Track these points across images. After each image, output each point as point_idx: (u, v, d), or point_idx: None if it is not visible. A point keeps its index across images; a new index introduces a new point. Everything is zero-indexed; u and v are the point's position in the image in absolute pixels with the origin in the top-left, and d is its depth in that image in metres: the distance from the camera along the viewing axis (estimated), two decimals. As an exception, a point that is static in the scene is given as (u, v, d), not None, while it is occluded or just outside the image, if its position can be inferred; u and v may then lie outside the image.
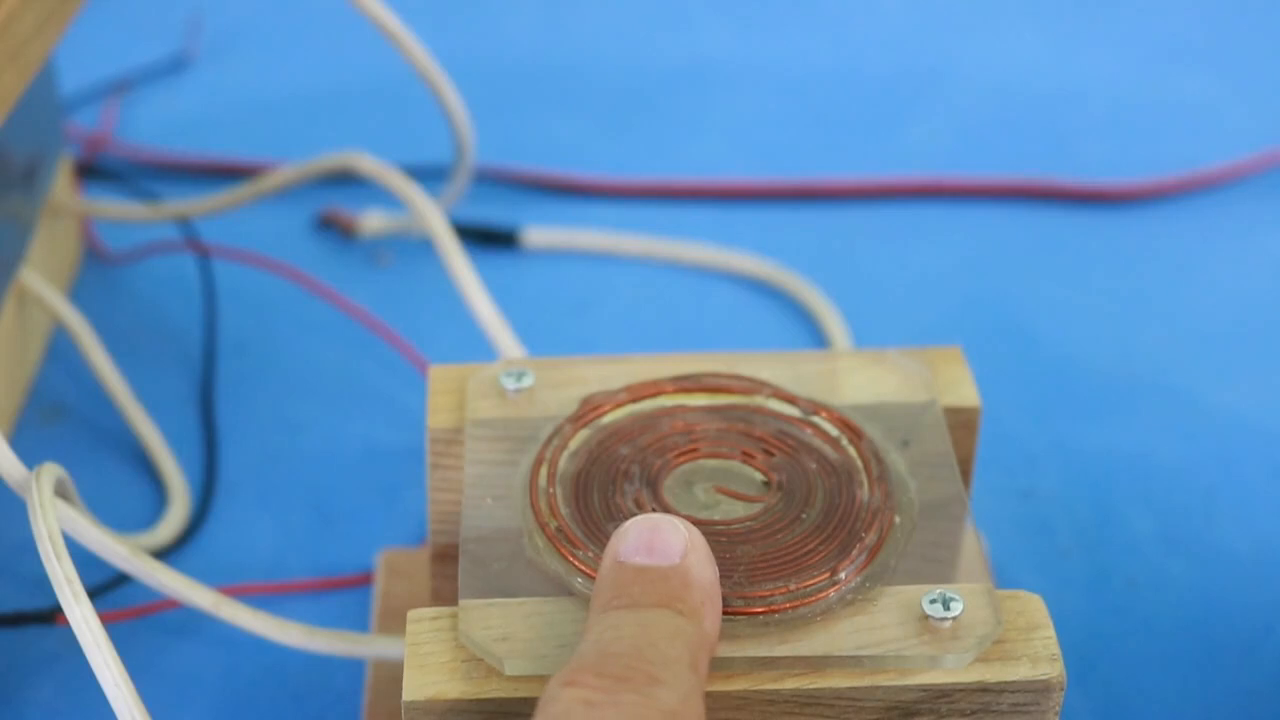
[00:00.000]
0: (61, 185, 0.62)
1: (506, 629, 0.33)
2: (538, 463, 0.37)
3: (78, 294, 0.63)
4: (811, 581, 0.34)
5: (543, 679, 0.32)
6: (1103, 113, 0.78)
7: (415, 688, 0.33)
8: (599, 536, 0.35)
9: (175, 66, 0.79)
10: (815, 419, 0.39)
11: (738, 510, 0.36)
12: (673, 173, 0.72)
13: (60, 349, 0.60)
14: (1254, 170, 0.71)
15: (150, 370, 0.59)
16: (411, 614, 0.34)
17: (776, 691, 0.33)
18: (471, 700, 0.32)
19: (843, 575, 0.34)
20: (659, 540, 0.32)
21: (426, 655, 0.33)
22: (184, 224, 0.64)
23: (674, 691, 0.29)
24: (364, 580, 0.50)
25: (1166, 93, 0.79)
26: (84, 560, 0.39)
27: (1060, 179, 0.71)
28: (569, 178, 0.71)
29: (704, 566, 0.32)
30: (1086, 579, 0.51)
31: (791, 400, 0.39)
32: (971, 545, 0.39)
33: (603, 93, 0.78)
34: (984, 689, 0.33)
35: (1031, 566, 0.51)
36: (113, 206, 0.66)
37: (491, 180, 0.70)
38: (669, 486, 0.37)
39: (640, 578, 0.32)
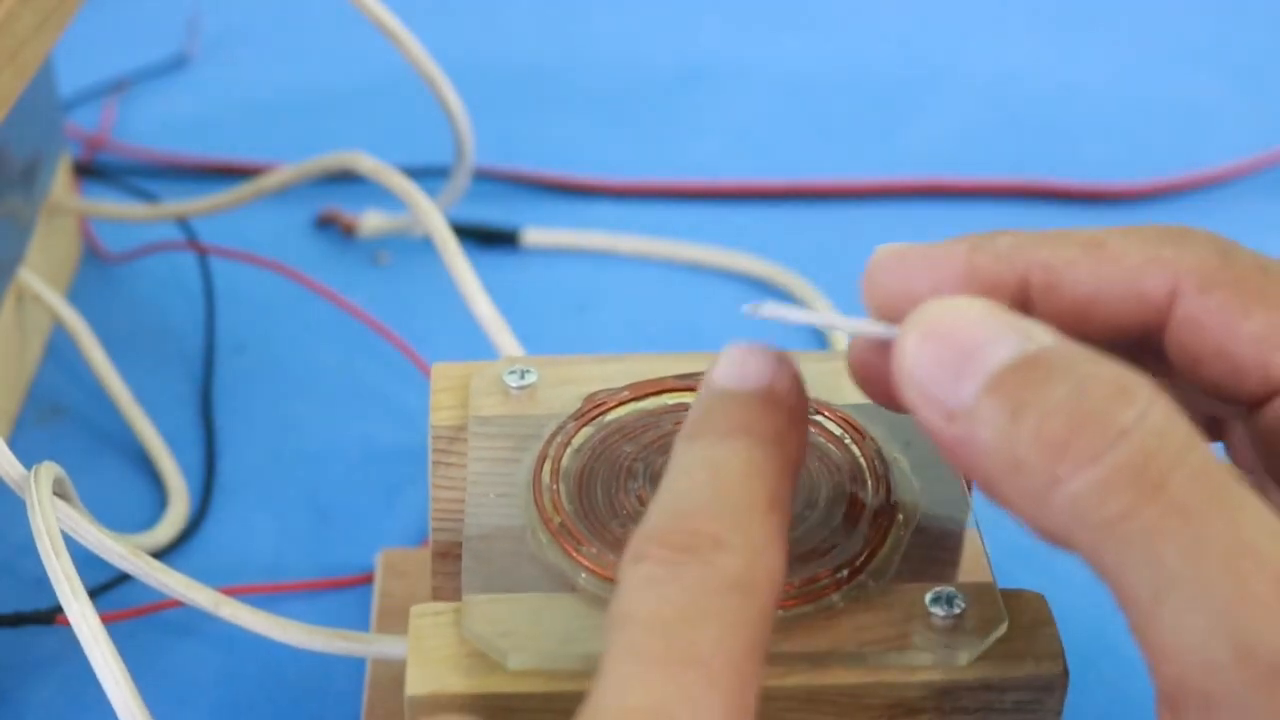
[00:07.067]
0: (60, 185, 0.62)
1: (510, 623, 0.33)
2: (541, 459, 0.37)
3: (76, 294, 0.63)
4: (814, 578, 0.34)
5: (546, 674, 0.32)
6: (1103, 113, 0.78)
7: (418, 682, 0.32)
8: (602, 533, 0.35)
9: (175, 66, 0.79)
10: (818, 418, 0.38)
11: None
12: (673, 173, 0.72)
13: (59, 349, 0.59)
14: (1254, 170, 0.71)
15: (149, 370, 0.59)
16: (415, 608, 0.34)
17: (779, 688, 0.33)
18: (475, 695, 0.32)
19: (845, 572, 0.34)
20: (750, 365, 0.32)
21: (430, 650, 0.33)
22: (183, 224, 0.64)
23: (740, 554, 0.28)
24: (364, 580, 0.50)
25: (1166, 93, 0.79)
26: (83, 560, 0.39)
27: (1060, 179, 0.71)
28: (569, 178, 0.71)
29: (790, 390, 0.31)
30: (1086, 579, 0.50)
31: (794, 398, 0.39)
32: (974, 545, 0.39)
33: (603, 93, 0.78)
34: (987, 686, 0.33)
35: (1031, 566, 0.51)
36: (112, 206, 0.66)
37: (491, 180, 0.70)
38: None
39: (723, 403, 0.31)
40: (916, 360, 0.29)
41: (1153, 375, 0.28)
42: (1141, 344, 0.32)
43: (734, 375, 0.31)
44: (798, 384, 0.32)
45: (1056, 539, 0.28)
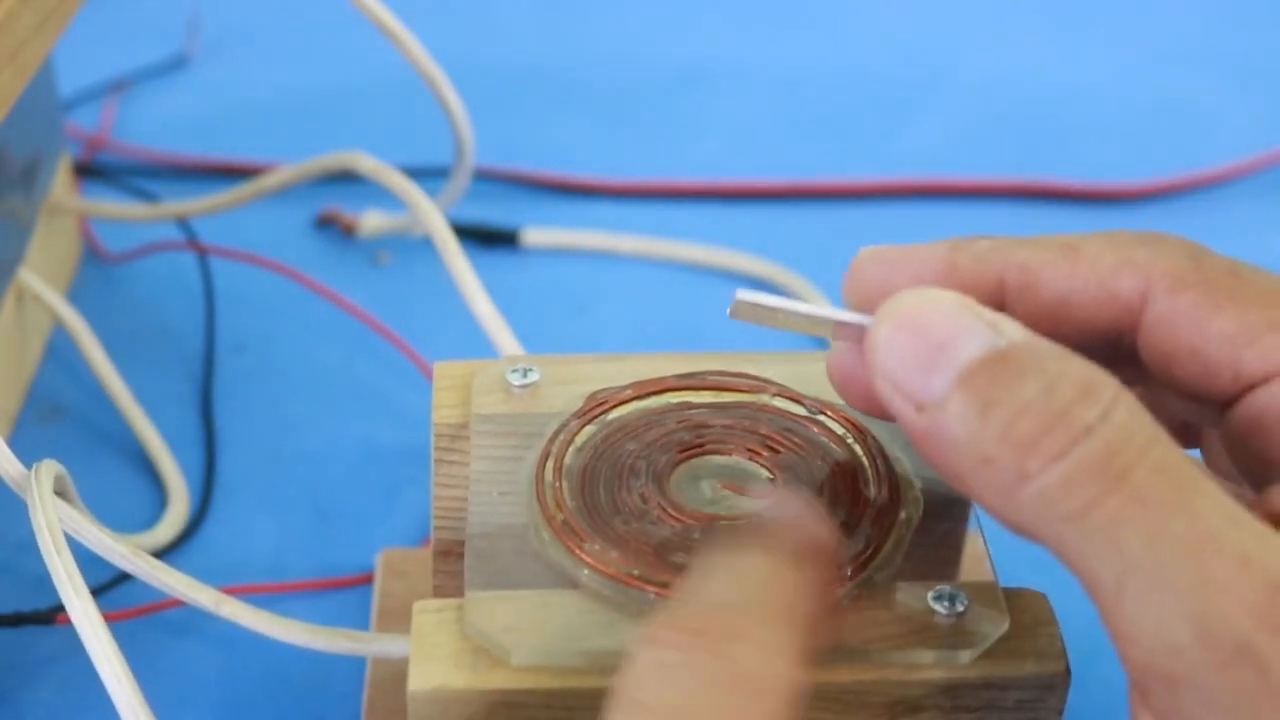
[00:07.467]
0: (61, 185, 0.62)
1: (513, 620, 0.33)
2: (544, 457, 0.37)
3: (77, 294, 0.63)
4: (817, 577, 0.34)
5: (548, 670, 0.32)
6: (1103, 113, 0.78)
7: (421, 677, 0.32)
8: (605, 530, 0.35)
9: (175, 66, 0.79)
10: (821, 417, 0.39)
11: (744, 506, 0.36)
12: (672, 173, 0.72)
13: (59, 349, 0.59)
14: (1254, 170, 0.71)
15: (149, 370, 0.59)
16: (417, 605, 0.34)
17: (782, 687, 0.33)
18: (477, 690, 0.32)
19: (848, 571, 0.34)
20: (782, 504, 0.32)
21: (432, 646, 0.33)
22: (183, 224, 0.64)
23: (754, 648, 0.28)
24: (364, 580, 0.50)
25: (1166, 93, 0.79)
26: (84, 560, 0.39)
27: (1060, 179, 0.71)
28: (569, 178, 0.71)
29: (818, 528, 0.32)
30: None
31: (797, 399, 0.39)
32: (976, 544, 0.39)
33: (603, 93, 0.78)
34: (989, 685, 0.33)
35: (1032, 565, 0.51)
36: (112, 206, 0.66)
37: (491, 180, 0.70)
38: (675, 482, 0.37)
39: (752, 529, 0.31)
40: (889, 350, 0.30)
41: (1127, 382, 0.28)
42: (1115, 348, 0.32)
43: (767, 511, 0.32)
44: (829, 532, 0.32)
45: (1024, 531, 0.28)
